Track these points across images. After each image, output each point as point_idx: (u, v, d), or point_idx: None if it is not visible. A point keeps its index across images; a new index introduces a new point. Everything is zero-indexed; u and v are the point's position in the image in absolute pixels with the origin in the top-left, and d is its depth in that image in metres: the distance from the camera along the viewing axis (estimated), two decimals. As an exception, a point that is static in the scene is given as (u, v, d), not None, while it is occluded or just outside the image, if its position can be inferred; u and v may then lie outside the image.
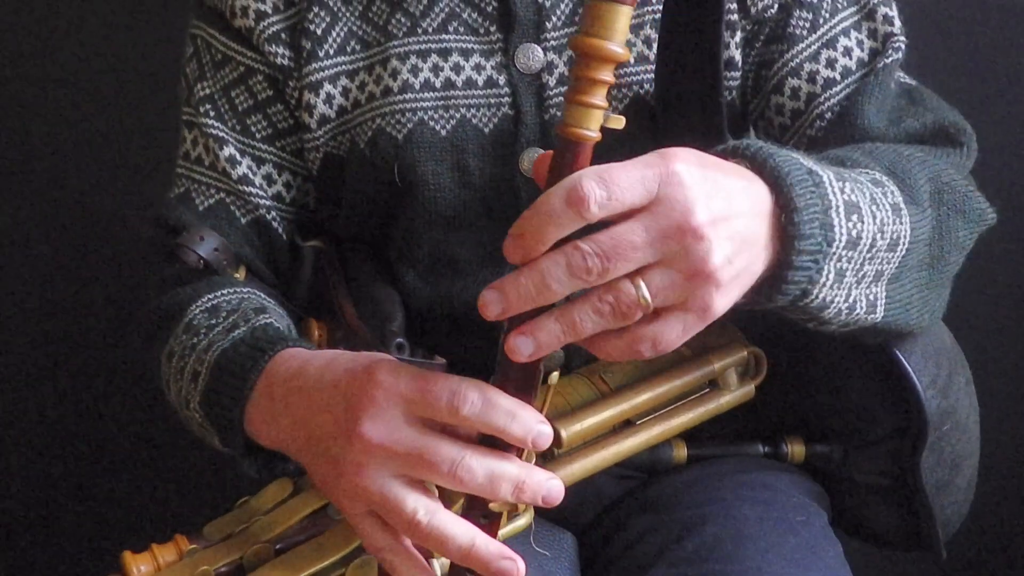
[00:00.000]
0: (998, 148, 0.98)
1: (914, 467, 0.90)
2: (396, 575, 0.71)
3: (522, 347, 0.64)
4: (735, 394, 0.89)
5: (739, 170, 0.68)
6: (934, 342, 0.90)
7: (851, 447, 0.94)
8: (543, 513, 0.83)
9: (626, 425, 0.86)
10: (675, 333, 0.64)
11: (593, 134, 0.62)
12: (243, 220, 0.97)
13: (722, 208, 0.63)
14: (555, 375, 0.70)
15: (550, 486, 0.68)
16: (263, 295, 0.94)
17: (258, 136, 0.96)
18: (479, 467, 0.66)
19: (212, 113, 0.96)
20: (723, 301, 0.65)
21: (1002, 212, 0.90)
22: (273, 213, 0.97)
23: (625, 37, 0.61)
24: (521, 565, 0.69)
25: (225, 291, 0.92)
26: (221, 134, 0.96)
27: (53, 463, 1.59)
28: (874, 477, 0.94)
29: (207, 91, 0.97)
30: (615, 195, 0.61)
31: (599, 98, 0.61)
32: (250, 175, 0.96)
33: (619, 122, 0.62)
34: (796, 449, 0.96)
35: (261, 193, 0.96)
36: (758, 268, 0.68)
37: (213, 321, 0.87)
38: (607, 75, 0.61)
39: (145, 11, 1.41)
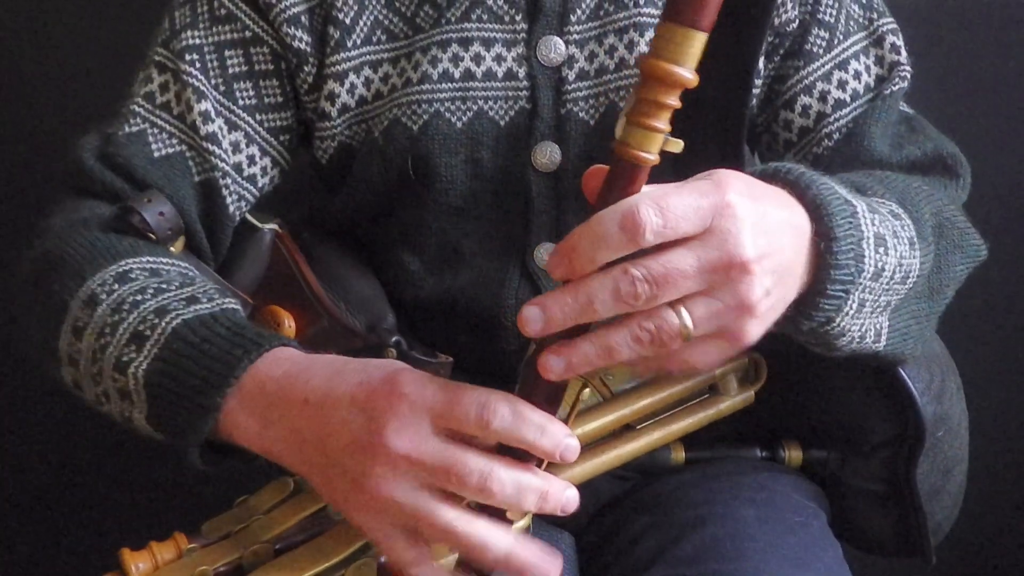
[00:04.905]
0: (989, 157, 0.99)
1: (909, 473, 0.91)
2: None
3: (555, 366, 0.64)
4: (735, 399, 0.90)
5: (782, 197, 0.68)
6: (927, 350, 0.91)
7: (848, 453, 0.95)
8: (542, 514, 0.83)
9: (626, 429, 0.87)
10: (709, 358, 0.65)
11: (653, 158, 0.61)
12: (196, 178, 0.92)
13: (770, 242, 0.64)
14: (587, 392, 0.71)
15: (568, 495, 0.69)
16: (210, 281, 0.86)
17: (240, 103, 0.93)
18: (508, 478, 0.66)
19: (197, 64, 0.92)
20: (758, 330, 0.65)
21: (993, 219, 0.91)
22: (228, 180, 0.93)
23: (696, 63, 0.60)
24: (559, 562, 0.69)
25: (165, 260, 0.85)
26: (202, 87, 0.92)
27: (52, 459, 1.56)
28: (869, 483, 0.95)
29: (196, 41, 0.92)
30: (670, 224, 0.61)
31: (663, 122, 0.61)
32: (219, 136, 0.92)
33: (677, 146, 0.61)
34: (793, 454, 0.97)
35: (224, 156, 0.92)
36: (791, 296, 0.69)
37: (162, 284, 0.80)
38: (674, 100, 0.60)
39: (147, 11, 1.39)
